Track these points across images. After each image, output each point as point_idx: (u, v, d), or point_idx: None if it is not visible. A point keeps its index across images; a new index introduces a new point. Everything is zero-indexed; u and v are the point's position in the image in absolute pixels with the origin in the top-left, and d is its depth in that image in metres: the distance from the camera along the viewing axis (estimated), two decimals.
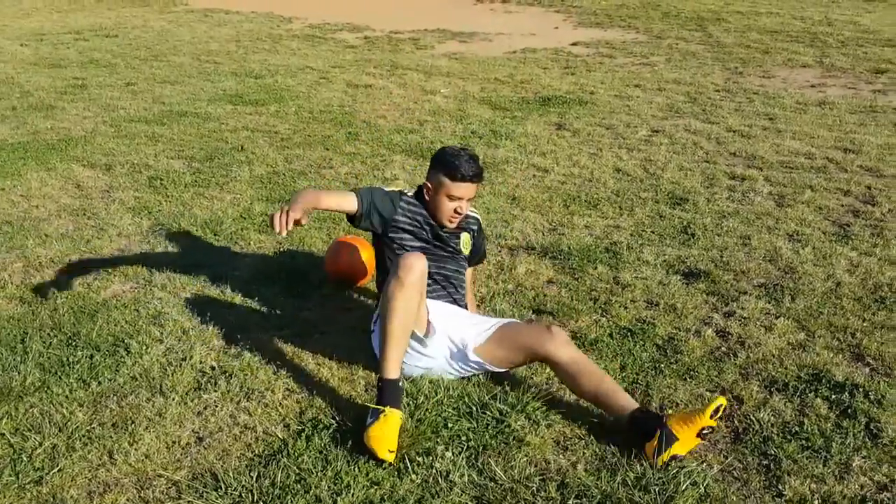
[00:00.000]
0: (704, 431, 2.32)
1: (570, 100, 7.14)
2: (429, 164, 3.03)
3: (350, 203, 2.87)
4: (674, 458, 2.32)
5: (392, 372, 2.50)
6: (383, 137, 5.95)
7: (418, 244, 2.96)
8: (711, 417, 2.30)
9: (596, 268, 3.74)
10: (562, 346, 2.60)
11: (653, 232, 4.19)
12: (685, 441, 2.31)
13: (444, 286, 2.98)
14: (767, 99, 7.18)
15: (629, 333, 3.15)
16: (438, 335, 2.74)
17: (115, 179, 5.00)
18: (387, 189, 3.01)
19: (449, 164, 2.89)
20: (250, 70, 8.58)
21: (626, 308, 3.36)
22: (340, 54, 9.67)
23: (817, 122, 6.34)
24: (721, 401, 2.32)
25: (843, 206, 4.56)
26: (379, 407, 2.43)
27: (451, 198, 2.91)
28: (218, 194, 4.74)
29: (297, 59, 9.26)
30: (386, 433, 2.35)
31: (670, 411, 2.42)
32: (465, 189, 2.90)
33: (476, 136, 5.99)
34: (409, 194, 3.04)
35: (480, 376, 2.80)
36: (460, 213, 2.96)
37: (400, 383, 2.52)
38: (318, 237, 4.10)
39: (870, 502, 2.24)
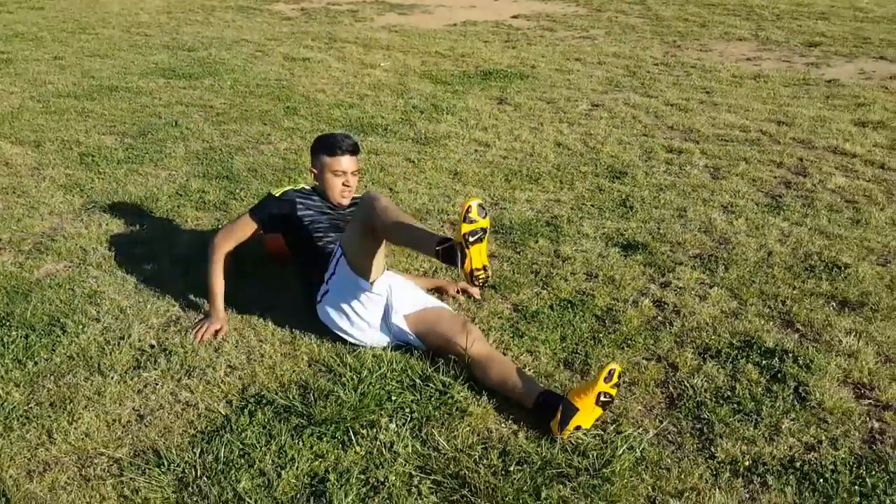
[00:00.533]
0: (603, 399, 2.36)
1: (511, 74, 7.16)
2: (310, 151, 3.24)
3: (250, 229, 3.11)
4: (578, 428, 2.37)
5: (438, 235, 2.56)
6: (323, 112, 5.88)
7: (325, 225, 3.09)
8: (606, 383, 2.34)
9: (537, 241, 3.79)
10: (474, 343, 2.69)
11: (592, 205, 4.25)
12: (585, 410, 2.35)
13: None
14: (704, 72, 7.32)
15: (569, 305, 3.21)
16: (384, 280, 2.82)
17: (44, 156, 4.84)
18: (276, 194, 3.19)
19: (325, 143, 3.17)
20: (183, 43, 8.35)
21: (566, 280, 3.42)
22: (276, 26, 9.49)
23: (752, 96, 6.50)
24: (613, 366, 2.36)
25: (775, 177, 4.70)
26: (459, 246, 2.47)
27: (335, 173, 3.14)
28: (152, 171, 4.63)
29: (231, 32, 9.06)
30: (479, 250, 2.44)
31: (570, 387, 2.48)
32: (346, 161, 3.14)
33: (417, 111, 5.96)
34: (298, 188, 3.24)
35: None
36: (348, 186, 3.17)
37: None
38: None
39: (798, 462, 2.34)
